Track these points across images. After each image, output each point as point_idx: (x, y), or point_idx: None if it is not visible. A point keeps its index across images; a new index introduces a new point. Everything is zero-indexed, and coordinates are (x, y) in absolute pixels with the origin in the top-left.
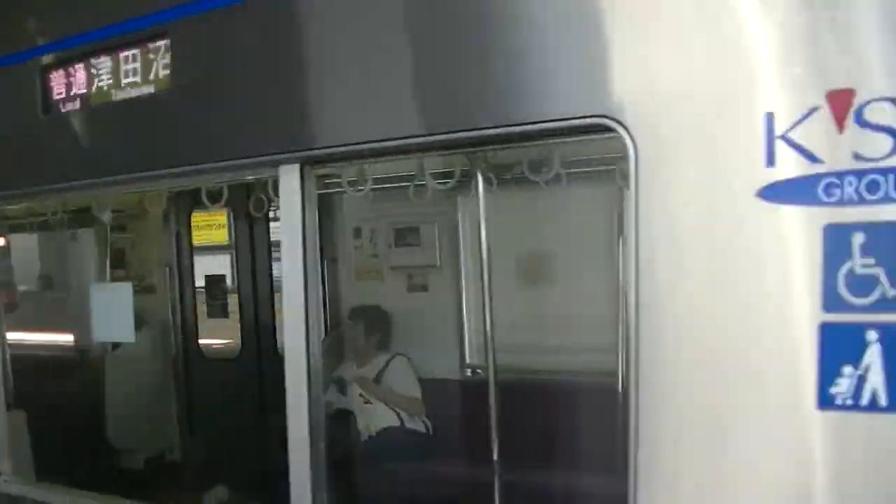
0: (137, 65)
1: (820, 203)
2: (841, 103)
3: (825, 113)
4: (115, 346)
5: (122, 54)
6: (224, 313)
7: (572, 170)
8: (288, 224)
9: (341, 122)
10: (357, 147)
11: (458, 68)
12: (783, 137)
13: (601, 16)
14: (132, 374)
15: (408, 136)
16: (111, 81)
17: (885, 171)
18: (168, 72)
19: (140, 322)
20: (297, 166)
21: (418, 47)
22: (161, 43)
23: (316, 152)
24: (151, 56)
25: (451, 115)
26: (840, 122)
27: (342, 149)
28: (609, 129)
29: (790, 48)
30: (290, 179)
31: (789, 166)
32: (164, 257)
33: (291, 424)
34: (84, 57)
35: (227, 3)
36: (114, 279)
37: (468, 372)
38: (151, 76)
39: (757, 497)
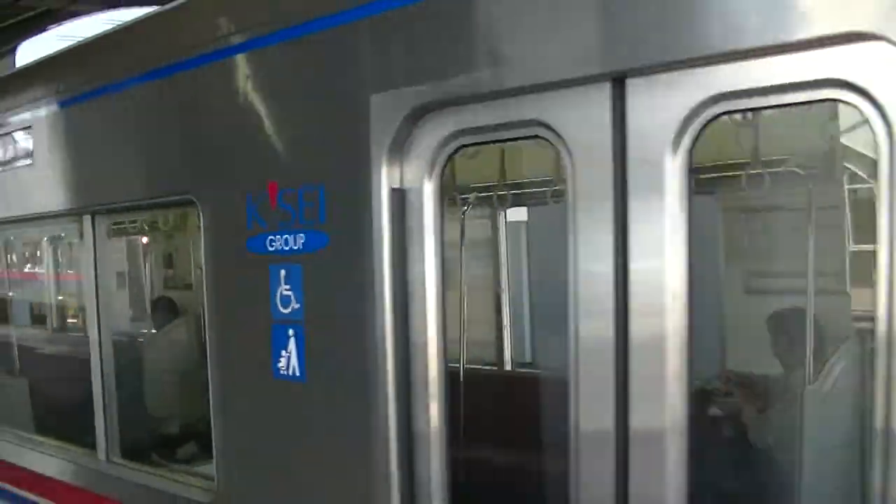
0: (24, 144)
1: (267, 252)
2: (273, 191)
3: (266, 196)
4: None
5: (16, 136)
6: None
7: None
8: (86, 252)
9: (106, 190)
10: (116, 205)
11: (137, 165)
12: (254, 211)
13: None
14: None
15: (133, 199)
16: (13, 154)
17: (290, 233)
18: (32, 150)
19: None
20: (89, 216)
21: (127, 149)
22: (29, 131)
23: (98, 208)
24: (29, 138)
25: (136, 189)
26: (273, 202)
27: (109, 206)
28: (192, 203)
29: (246, 157)
30: (87, 226)
31: (254, 229)
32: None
33: (94, 387)
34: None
35: (59, 106)
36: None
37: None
38: (30, 153)
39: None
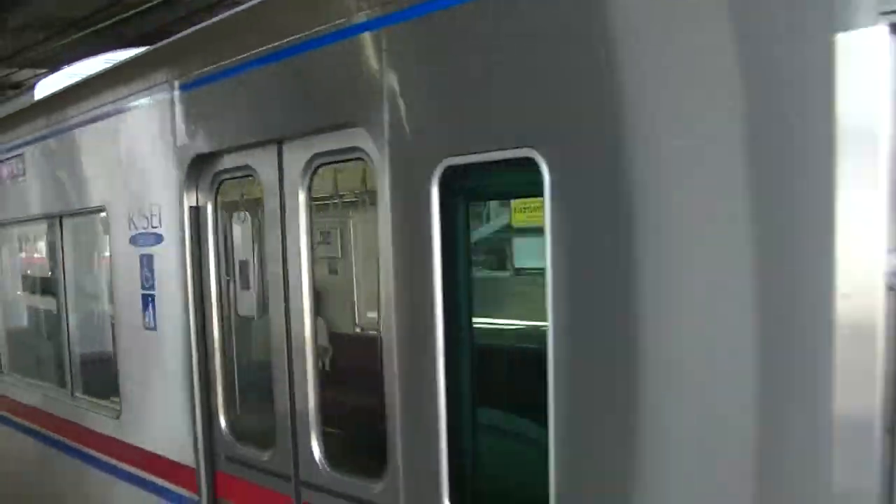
0: (20, 166)
1: (138, 245)
2: (133, 210)
3: (141, 212)
4: None
5: (11, 161)
6: None
7: None
8: (49, 254)
9: (65, 202)
10: (61, 212)
11: (79, 186)
12: (133, 218)
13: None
14: None
15: (77, 208)
16: (14, 173)
17: (147, 234)
18: (24, 170)
19: None
20: (57, 219)
21: (72, 175)
22: (22, 158)
23: (63, 212)
24: (24, 161)
25: (78, 202)
26: (141, 213)
27: (68, 212)
28: (101, 211)
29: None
30: (54, 231)
31: (133, 230)
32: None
33: (63, 344)
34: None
35: (32, 143)
36: None
37: (358, 329)
38: (24, 172)
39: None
